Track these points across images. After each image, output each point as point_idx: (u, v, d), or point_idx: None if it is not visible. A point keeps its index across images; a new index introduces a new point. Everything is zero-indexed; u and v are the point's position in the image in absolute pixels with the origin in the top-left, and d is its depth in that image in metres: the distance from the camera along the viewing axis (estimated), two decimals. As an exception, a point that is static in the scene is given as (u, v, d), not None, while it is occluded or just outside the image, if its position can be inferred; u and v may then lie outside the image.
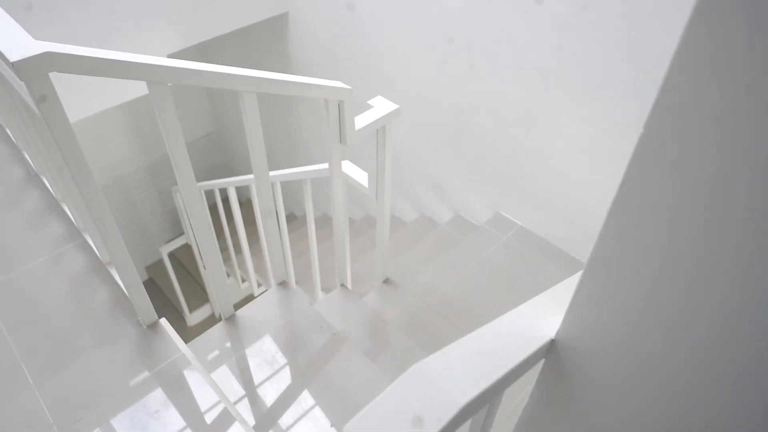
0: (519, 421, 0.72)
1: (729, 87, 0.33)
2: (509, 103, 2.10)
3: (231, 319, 1.52)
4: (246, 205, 4.28)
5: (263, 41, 3.18)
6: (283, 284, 1.63)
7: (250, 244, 3.22)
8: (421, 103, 2.49)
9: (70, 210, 1.58)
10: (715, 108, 0.35)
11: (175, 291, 4.14)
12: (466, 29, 2.07)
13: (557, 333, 0.58)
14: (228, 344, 1.46)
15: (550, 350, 0.59)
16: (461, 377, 0.52)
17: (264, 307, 1.58)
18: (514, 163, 2.27)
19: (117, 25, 2.28)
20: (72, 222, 1.59)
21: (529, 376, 0.62)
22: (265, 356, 1.44)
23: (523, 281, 2.22)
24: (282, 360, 1.44)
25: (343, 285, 1.89)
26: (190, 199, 1.25)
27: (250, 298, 3.83)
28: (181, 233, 4.29)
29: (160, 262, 4.11)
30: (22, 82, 0.87)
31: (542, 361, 0.61)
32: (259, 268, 3.36)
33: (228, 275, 3.83)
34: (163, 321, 1.36)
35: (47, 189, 1.70)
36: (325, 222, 3.69)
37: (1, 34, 0.89)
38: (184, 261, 4.62)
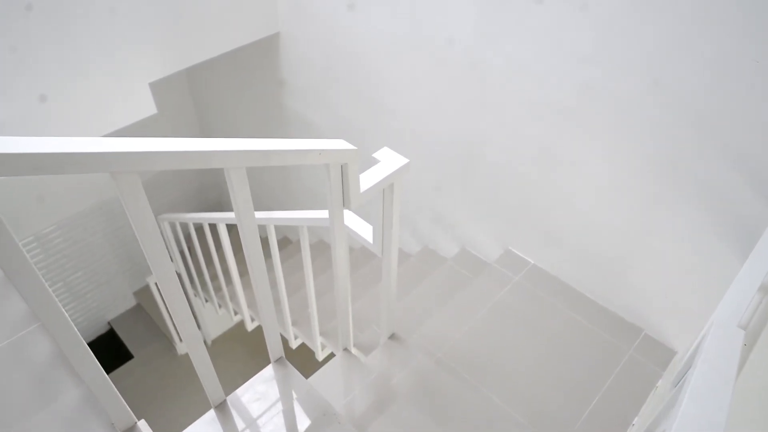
0: None
1: None
2: (524, 137, 1.92)
3: (221, 408, 1.33)
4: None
5: (255, 62, 2.98)
6: (279, 361, 1.44)
7: (242, 273, 3.01)
8: (424, 131, 2.30)
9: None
10: None
11: (164, 319, 3.93)
12: (476, 58, 1.88)
13: None
14: (218, 443, 1.27)
15: None
16: None
17: (259, 392, 1.38)
18: (526, 199, 2.09)
19: (94, 54, 2.06)
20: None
21: None
22: (261, 455, 1.25)
23: (540, 328, 2.04)
24: (280, 459, 1.25)
25: (345, 349, 1.71)
26: (174, 303, 1.06)
27: (241, 325, 3.62)
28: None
29: (149, 287, 3.90)
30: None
31: None
32: (252, 303, 3.16)
33: (219, 306, 3.63)
34: (142, 424, 1.17)
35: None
36: (322, 249, 3.50)
37: None
38: (173, 285, 4.41)
